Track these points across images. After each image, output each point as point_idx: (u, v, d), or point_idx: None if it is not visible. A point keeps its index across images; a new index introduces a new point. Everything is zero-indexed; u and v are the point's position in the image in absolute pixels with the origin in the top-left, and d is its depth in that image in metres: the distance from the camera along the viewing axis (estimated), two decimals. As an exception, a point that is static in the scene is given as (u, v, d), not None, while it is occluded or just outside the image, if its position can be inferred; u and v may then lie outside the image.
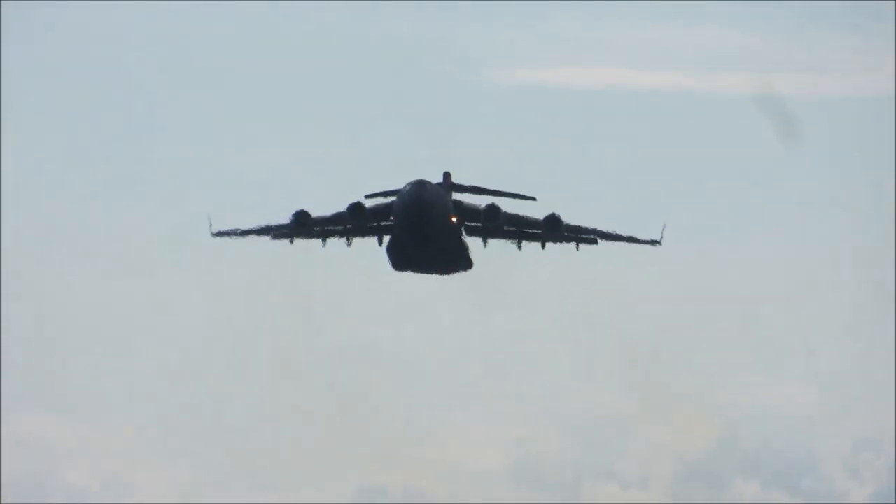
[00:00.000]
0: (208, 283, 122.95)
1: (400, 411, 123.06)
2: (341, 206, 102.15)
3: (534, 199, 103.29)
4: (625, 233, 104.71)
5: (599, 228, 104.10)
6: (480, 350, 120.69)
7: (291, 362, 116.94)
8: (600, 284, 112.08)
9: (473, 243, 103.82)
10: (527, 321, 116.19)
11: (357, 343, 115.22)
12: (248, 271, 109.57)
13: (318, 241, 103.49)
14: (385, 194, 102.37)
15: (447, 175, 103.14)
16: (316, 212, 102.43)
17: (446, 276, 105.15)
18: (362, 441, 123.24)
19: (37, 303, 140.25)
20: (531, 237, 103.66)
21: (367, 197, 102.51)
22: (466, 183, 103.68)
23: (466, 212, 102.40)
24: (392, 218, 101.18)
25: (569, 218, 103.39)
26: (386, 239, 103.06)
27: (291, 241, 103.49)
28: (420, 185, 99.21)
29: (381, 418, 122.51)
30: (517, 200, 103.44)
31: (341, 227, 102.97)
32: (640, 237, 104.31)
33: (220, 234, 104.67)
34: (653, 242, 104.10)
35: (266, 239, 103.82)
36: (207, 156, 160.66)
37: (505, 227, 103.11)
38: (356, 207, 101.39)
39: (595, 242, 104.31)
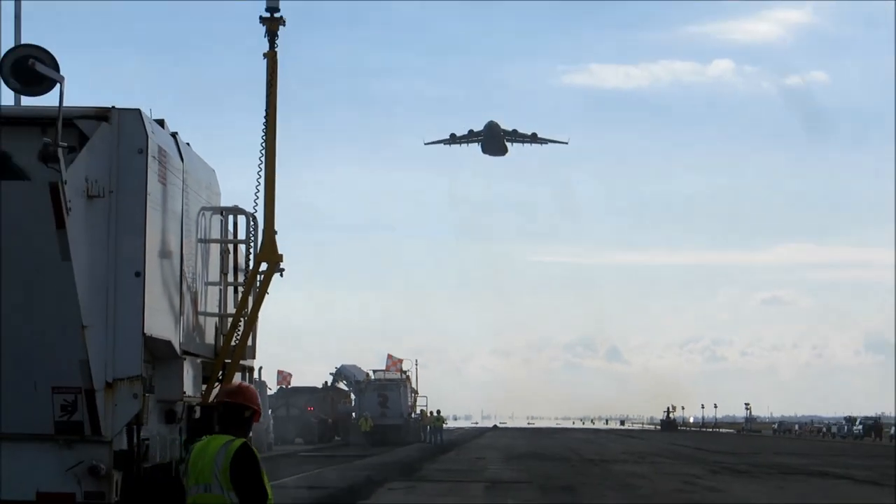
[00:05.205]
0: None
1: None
2: (464, 131, 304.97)
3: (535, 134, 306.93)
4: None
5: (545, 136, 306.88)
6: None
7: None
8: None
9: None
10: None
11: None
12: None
13: (457, 146, 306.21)
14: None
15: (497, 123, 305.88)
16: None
17: (499, 157, 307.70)
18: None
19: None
20: (527, 141, 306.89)
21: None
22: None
23: (505, 133, 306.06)
24: (481, 134, 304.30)
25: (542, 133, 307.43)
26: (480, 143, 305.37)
27: (449, 146, 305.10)
28: (492, 121, 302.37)
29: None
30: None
31: (464, 141, 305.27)
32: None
33: (428, 143, 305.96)
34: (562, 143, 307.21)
35: (441, 144, 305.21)
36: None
37: (517, 138, 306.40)
38: (471, 131, 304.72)
39: (551, 143, 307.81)
